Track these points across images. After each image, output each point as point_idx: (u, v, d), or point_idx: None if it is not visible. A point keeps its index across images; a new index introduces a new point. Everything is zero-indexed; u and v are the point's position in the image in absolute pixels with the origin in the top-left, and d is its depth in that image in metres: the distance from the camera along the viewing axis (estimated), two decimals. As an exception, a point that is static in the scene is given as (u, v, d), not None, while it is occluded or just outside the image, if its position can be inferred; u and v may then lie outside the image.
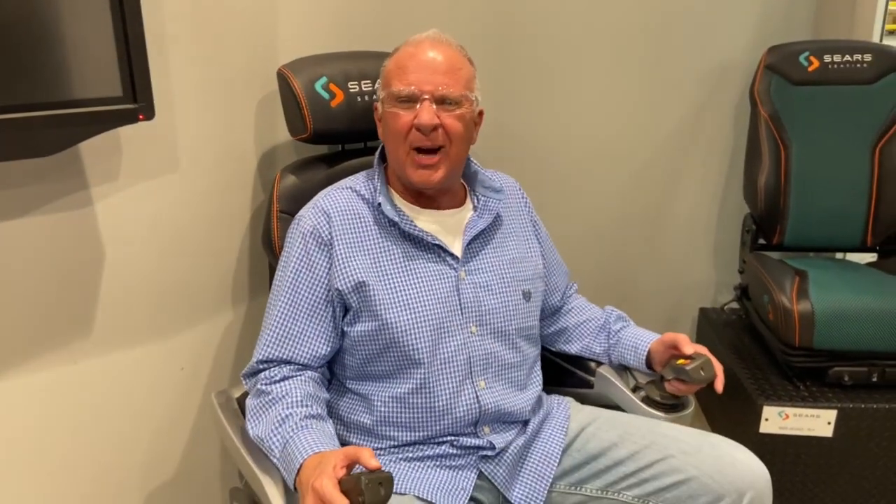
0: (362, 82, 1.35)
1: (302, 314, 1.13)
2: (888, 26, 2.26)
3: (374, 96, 1.22)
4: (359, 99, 1.34)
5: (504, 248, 1.25)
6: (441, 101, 1.13)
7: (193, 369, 1.42)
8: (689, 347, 1.19)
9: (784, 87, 2.03)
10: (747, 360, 1.96)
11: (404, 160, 1.15)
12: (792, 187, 2.04)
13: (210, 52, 1.29)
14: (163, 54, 1.21)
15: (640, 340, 1.30)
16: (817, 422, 1.75)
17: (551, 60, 1.83)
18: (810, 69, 2.02)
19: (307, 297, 1.13)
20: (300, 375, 1.12)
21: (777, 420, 1.76)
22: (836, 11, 2.26)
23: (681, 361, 1.17)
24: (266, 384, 1.11)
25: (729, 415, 1.99)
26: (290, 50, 1.37)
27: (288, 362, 1.13)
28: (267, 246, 1.32)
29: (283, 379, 1.11)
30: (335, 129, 1.33)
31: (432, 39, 1.16)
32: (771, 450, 1.78)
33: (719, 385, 1.16)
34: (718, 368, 1.17)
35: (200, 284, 1.38)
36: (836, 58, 2.02)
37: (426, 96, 1.12)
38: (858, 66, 2.02)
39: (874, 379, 1.76)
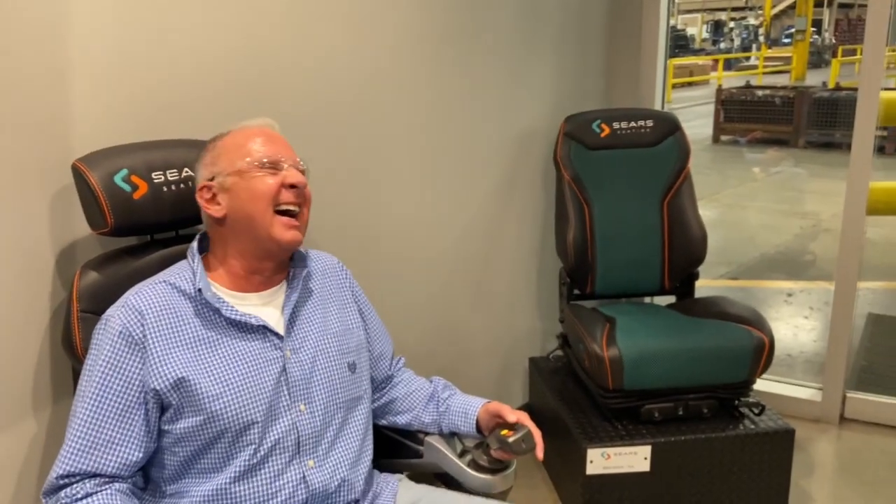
0: (168, 172, 1.32)
1: (110, 420, 1.07)
2: (671, 80, 2.57)
3: (199, 179, 1.22)
4: (165, 189, 1.31)
5: (326, 321, 1.26)
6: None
7: (-11, 490, 1.28)
8: (512, 416, 1.26)
9: (581, 152, 2.24)
10: (572, 405, 2.09)
11: (271, 223, 1.17)
12: (597, 242, 2.24)
13: (-7, 147, 1.21)
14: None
15: (468, 407, 1.35)
16: (635, 458, 1.89)
17: (370, 138, 1.90)
18: (602, 135, 2.26)
19: (116, 402, 1.08)
20: (106, 489, 1.05)
21: (601, 461, 1.88)
22: (622, 83, 2.55)
23: (504, 432, 1.24)
24: (68, 503, 1.03)
25: (561, 459, 2.10)
26: (88, 140, 1.32)
27: (94, 475, 1.06)
28: (68, 348, 1.23)
29: (87, 496, 1.04)
30: (140, 221, 1.28)
31: (267, 124, 1.26)
32: (598, 490, 1.90)
33: (539, 453, 1.23)
34: (538, 437, 1.24)
35: (-7, 396, 1.26)
36: (623, 124, 2.27)
37: (288, 162, 1.19)
38: (643, 130, 2.28)
39: (680, 412, 1.95)
